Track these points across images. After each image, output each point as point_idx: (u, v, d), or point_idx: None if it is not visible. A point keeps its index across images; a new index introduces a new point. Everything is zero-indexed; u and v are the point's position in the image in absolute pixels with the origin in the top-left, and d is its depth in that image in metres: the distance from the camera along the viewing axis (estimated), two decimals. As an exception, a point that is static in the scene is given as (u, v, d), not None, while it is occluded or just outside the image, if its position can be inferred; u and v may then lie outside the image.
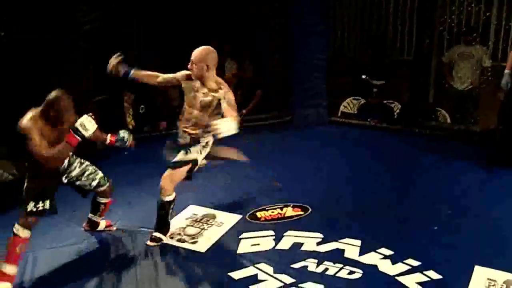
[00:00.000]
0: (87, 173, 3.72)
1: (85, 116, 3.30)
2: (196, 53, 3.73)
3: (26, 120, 3.25)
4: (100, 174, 3.80)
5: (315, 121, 6.56)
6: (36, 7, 5.81)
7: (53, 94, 3.32)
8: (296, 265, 3.40)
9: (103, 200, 3.95)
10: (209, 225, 4.11)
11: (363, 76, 6.92)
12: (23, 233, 3.39)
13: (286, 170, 5.17)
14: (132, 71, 3.88)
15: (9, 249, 3.39)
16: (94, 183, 3.76)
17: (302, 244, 3.66)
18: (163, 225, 3.90)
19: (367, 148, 5.82)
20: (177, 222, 4.19)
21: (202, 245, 3.79)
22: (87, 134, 3.28)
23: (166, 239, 3.87)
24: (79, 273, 3.53)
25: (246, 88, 7.27)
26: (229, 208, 4.40)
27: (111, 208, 4.09)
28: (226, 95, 3.75)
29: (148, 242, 3.83)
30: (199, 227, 4.10)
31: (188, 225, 4.13)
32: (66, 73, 5.66)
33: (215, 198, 4.62)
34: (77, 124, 3.25)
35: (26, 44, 5.87)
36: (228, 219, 4.18)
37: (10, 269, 3.38)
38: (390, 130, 6.38)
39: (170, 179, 3.78)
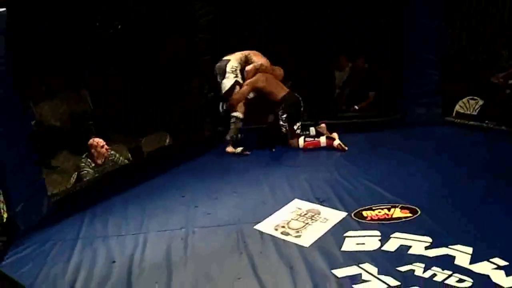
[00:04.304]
0: None
1: None
2: None
3: None
4: None
5: (428, 120, 6.30)
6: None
7: None
8: (402, 268, 3.28)
9: None
10: (314, 220, 4.10)
11: None
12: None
13: (395, 170, 5.03)
14: None
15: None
16: None
17: (409, 247, 3.54)
18: None
19: (483, 150, 5.48)
20: (281, 215, 4.24)
21: (306, 240, 3.79)
22: None
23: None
24: (183, 260, 3.69)
25: (358, 84, 7.22)
26: (333, 204, 4.35)
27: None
28: None
29: None
30: (304, 221, 4.10)
31: (292, 219, 4.15)
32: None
33: (319, 194, 4.60)
34: None
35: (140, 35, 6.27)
36: (332, 216, 4.14)
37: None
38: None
39: None
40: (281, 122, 5.80)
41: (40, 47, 6.20)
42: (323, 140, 5.85)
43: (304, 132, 5.98)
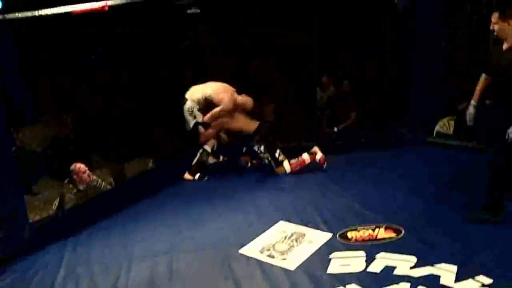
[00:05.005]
0: None
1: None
2: None
3: None
4: None
5: (409, 141, 6.38)
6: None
7: None
8: (388, 289, 3.30)
9: None
10: (299, 243, 4.09)
11: None
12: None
13: (379, 190, 5.05)
14: None
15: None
16: None
17: (394, 267, 3.54)
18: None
19: (463, 169, 5.53)
20: (267, 238, 4.22)
21: (292, 263, 3.77)
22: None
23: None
24: (168, 286, 3.66)
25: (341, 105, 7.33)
26: (318, 226, 4.35)
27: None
28: None
29: None
30: (289, 244, 4.09)
31: (278, 242, 4.14)
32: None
33: (304, 215, 4.60)
34: None
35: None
36: (318, 237, 4.13)
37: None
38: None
39: None
40: (261, 155, 5.77)
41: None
42: (306, 157, 5.78)
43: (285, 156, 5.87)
